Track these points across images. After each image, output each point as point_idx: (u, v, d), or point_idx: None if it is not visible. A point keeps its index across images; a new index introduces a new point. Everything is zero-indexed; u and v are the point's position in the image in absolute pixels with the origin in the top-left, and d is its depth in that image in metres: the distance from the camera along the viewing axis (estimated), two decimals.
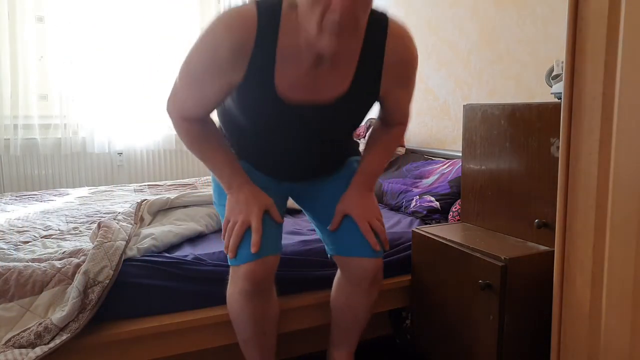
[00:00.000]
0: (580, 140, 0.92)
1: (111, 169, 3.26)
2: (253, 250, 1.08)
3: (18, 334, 1.11)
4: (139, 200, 1.69)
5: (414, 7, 2.61)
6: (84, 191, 2.50)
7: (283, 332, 1.38)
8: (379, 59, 1.08)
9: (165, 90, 3.57)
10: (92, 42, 3.08)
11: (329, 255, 1.30)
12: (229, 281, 1.18)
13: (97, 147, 3.16)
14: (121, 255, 1.26)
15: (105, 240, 1.28)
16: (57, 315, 1.13)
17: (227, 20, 1.00)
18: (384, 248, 1.24)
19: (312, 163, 1.24)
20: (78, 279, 1.17)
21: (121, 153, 3.26)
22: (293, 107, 1.07)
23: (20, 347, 1.09)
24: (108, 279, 1.19)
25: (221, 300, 1.31)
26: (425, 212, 1.81)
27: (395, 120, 1.26)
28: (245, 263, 1.09)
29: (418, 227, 1.48)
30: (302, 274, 1.42)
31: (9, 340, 1.10)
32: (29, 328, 1.11)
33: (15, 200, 2.26)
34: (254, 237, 1.09)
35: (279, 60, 1.02)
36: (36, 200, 2.25)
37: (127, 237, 1.34)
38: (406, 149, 2.62)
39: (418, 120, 2.64)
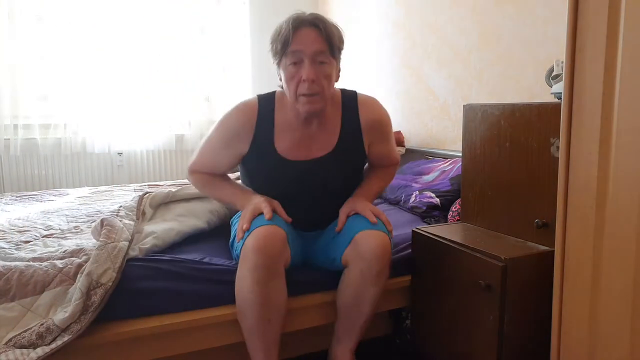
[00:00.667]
0: (580, 140, 0.92)
1: (111, 169, 3.26)
2: (267, 217, 1.23)
3: (19, 334, 1.11)
4: (140, 194, 1.68)
5: (414, 7, 2.62)
6: (84, 191, 2.50)
7: (283, 332, 1.38)
8: (356, 123, 1.40)
9: (165, 90, 3.58)
10: (92, 42, 3.08)
11: (340, 262, 1.34)
12: (239, 265, 1.23)
13: (97, 147, 3.16)
14: (124, 256, 1.26)
15: (109, 241, 1.28)
16: (59, 316, 1.13)
17: (237, 109, 1.38)
18: (388, 231, 1.31)
19: (317, 212, 1.43)
20: (81, 280, 1.17)
21: (121, 153, 3.27)
22: (293, 162, 1.36)
23: (22, 347, 1.09)
24: (111, 282, 1.19)
25: (222, 300, 1.31)
26: (424, 208, 1.81)
27: (386, 164, 1.53)
28: (257, 228, 1.20)
29: (418, 227, 1.48)
30: (301, 274, 1.42)
31: (10, 340, 1.10)
32: (31, 328, 1.11)
33: (15, 200, 2.26)
34: (266, 211, 1.26)
35: (276, 131, 1.36)
36: (36, 201, 2.25)
37: (129, 237, 1.34)
38: (406, 149, 2.62)
39: (418, 120, 2.64)
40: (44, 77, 3.01)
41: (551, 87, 1.35)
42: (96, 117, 3.14)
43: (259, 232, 1.19)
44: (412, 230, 1.48)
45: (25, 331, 1.11)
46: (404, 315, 1.60)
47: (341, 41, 1.32)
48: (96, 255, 1.23)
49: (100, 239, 1.29)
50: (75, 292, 1.16)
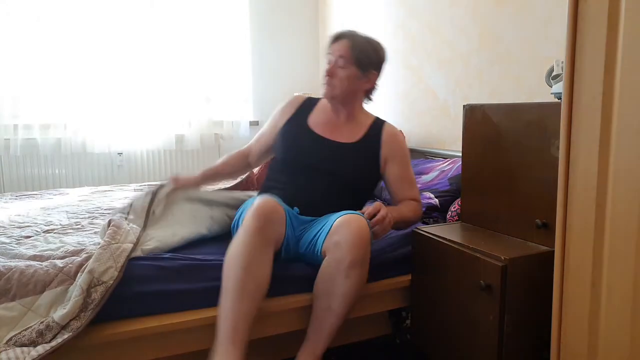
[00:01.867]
0: (580, 140, 0.92)
1: (111, 169, 3.26)
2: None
3: (19, 333, 1.11)
4: (153, 189, 1.59)
5: (415, 7, 2.62)
6: (84, 191, 2.50)
7: (283, 332, 1.39)
8: (378, 136, 1.67)
9: (165, 90, 3.57)
10: (93, 42, 3.08)
11: (320, 255, 1.36)
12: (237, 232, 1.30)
13: (97, 147, 3.16)
14: (127, 257, 1.26)
15: (113, 242, 1.28)
16: (59, 312, 1.13)
17: (289, 98, 1.81)
18: (369, 224, 1.34)
19: (319, 194, 1.55)
20: (82, 277, 1.17)
21: (121, 153, 3.26)
22: (318, 136, 1.65)
23: (22, 345, 1.09)
24: (112, 280, 1.19)
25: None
26: (424, 209, 1.81)
27: (406, 196, 1.64)
28: (259, 199, 1.33)
29: (418, 227, 1.48)
30: (302, 271, 1.41)
31: (10, 339, 1.10)
32: (31, 327, 1.12)
33: (15, 200, 2.27)
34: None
35: (312, 113, 1.72)
36: (36, 200, 2.25)
37: (135, 240, 1.34)
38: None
39: (418, 120, 2.64)
40: (44, 77, 3.01)
41: (551, 87, 1.35)
42: (96, 117, 3.14)
43: (260, 201, 1.32)
44: (412, 230, 1.48)
45: (25, 330, 1.11)
46: (404, 315, 1.60)
47: (364, 54, 1.61)
48: (99, 254, 1.23)
49: (105, 239, 1.29)
50: (75, 288, 1.16)
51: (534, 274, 1.17)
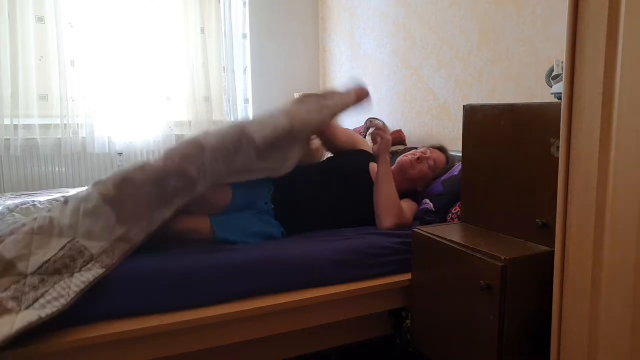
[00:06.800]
0: (580, 140, 0.92)
1: (111, 169, 3.26)
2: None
3: (49, 260, 1.11)
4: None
5: (414, 7, 2.62)
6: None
7: (284, 331, 1.39)
8: None
9: (165, 90, 3.55)
10: (92, 43, 3.08)
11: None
12: None
13: (97, 147, 3.16)
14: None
15: None
16: (90, 241, 1.14)
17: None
18: None
19: (316, 199, 1.71)
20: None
21: (121, 153, 3.26)
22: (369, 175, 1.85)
23: (55, 271, 1.10)
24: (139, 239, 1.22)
25: (222, 298, 1.31)
26: (420, 213, 1.82)
27: None
28: None
29: (418, 227, 1.48)
30: (305, 273, 1.41)
31: (40, 266, 1.09)
32: (57, 254, 1.12)
33: (15, 199, 2.26)
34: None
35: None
36: (35, 198, 2.26)
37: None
38: (405, 148, 2.62)
39: (418, 120, 2.63)
40: (44, 77, 3.00)
41: (551, 87, 1.35)
42: (96, 117, 3.14)
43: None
44: (412, 230, 1.48)
45: (54, 255, 1.11)
46: (404, 315, 1.60)
47: (443, 172, 1.92)
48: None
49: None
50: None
51: (534, 274, 1.16)
